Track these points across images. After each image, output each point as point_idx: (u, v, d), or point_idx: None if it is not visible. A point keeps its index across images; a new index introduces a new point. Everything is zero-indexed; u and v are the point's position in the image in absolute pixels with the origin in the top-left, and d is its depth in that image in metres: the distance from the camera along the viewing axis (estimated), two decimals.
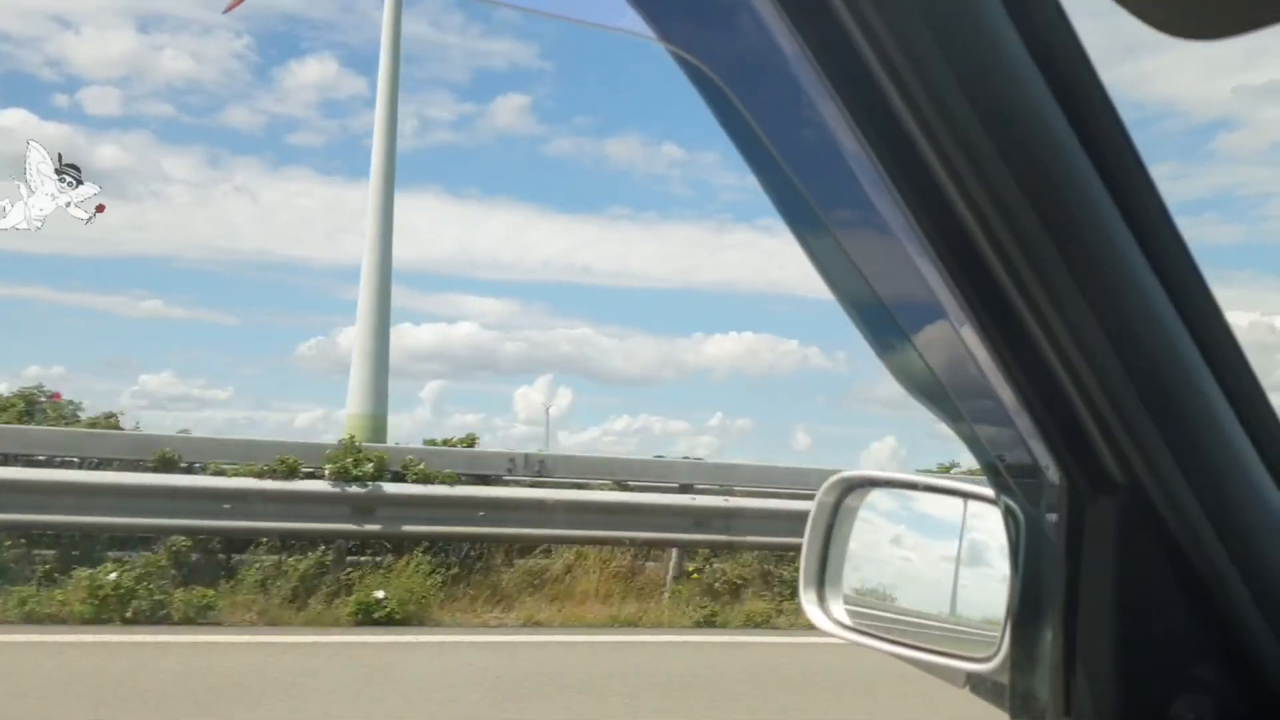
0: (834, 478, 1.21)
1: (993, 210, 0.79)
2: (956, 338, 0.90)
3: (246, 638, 8.14)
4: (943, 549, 1.14)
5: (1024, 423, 0.91)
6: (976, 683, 1.04)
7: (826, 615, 1.18)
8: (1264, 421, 0.91)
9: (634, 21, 0.75)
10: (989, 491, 1.01)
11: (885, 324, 0.94)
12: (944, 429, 0.96)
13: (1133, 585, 0.91)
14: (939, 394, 0.95)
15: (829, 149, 0.83)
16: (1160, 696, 0.91)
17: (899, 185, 0.80)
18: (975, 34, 0.75)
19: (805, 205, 0.87)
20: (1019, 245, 0.80)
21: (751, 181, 0.89)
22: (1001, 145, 0.77)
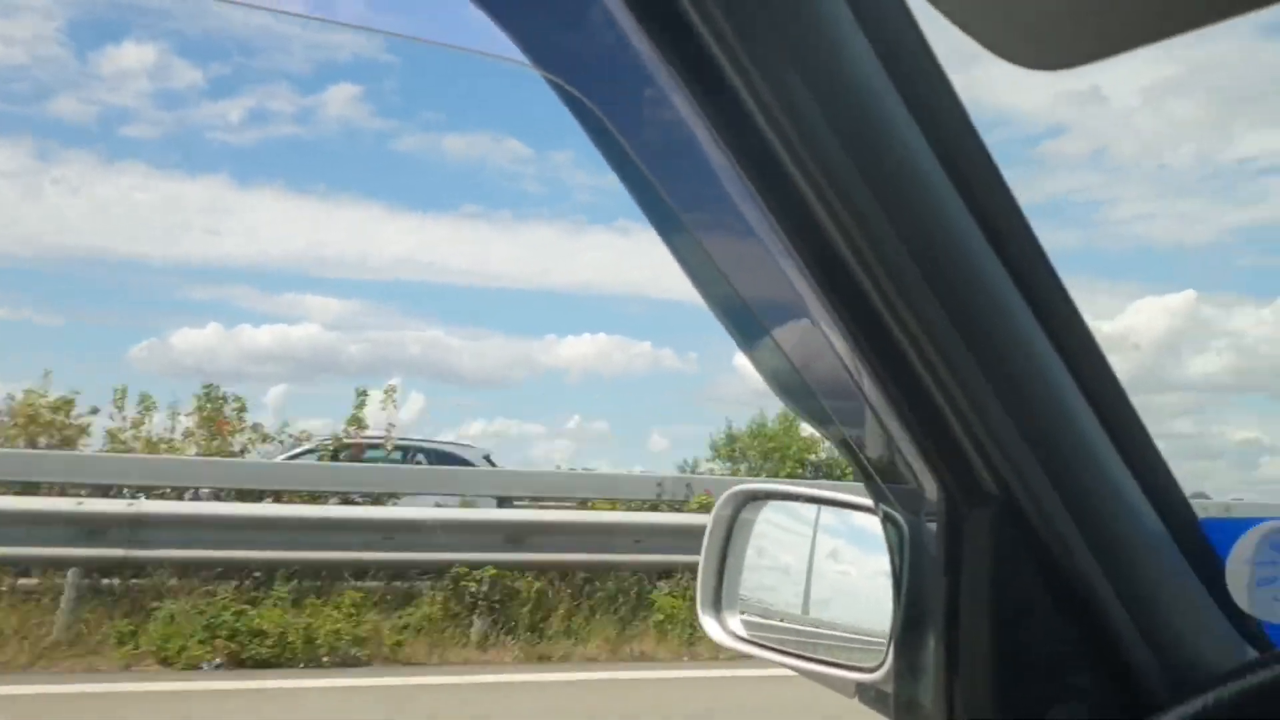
0: (731, 490, 1.22)
1: (852, 223, 0.80)
2: (828, 347, 0.91)
3: None
4: (836, 560, 1.15)
5: (900, 435, 0.93)
6: (865, 693, 1.05)
7: (723, 629, 1.18)
8: (1130, 432, 0.94)
9: (491, 37, 0.75)
10: (888, 503, 1.03)
11: (754, 328, 0.95)
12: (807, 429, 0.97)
13: (1009, 594, 0.93)
14: (810, 401, 0.96)
15: (690, 153, 0.84)
16: (1037, 703, 0.93)
17: (761, 192, 0.81)
18: (826, 44, 0.76)
19: (668, 207, 0.88)
20: (880, 261, 0.81)
21: (607, 182, 0.90)
22: (856, 157, 0.78)
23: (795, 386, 0.96)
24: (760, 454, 18.60)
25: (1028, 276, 0.87)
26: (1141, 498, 0.94)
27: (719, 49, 0.75)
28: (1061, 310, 0.89)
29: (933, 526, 0.96)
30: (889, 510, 0.99)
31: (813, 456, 17.64)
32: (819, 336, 0.91)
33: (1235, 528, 0.99)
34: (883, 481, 0.98)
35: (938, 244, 0.83)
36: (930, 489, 0.95)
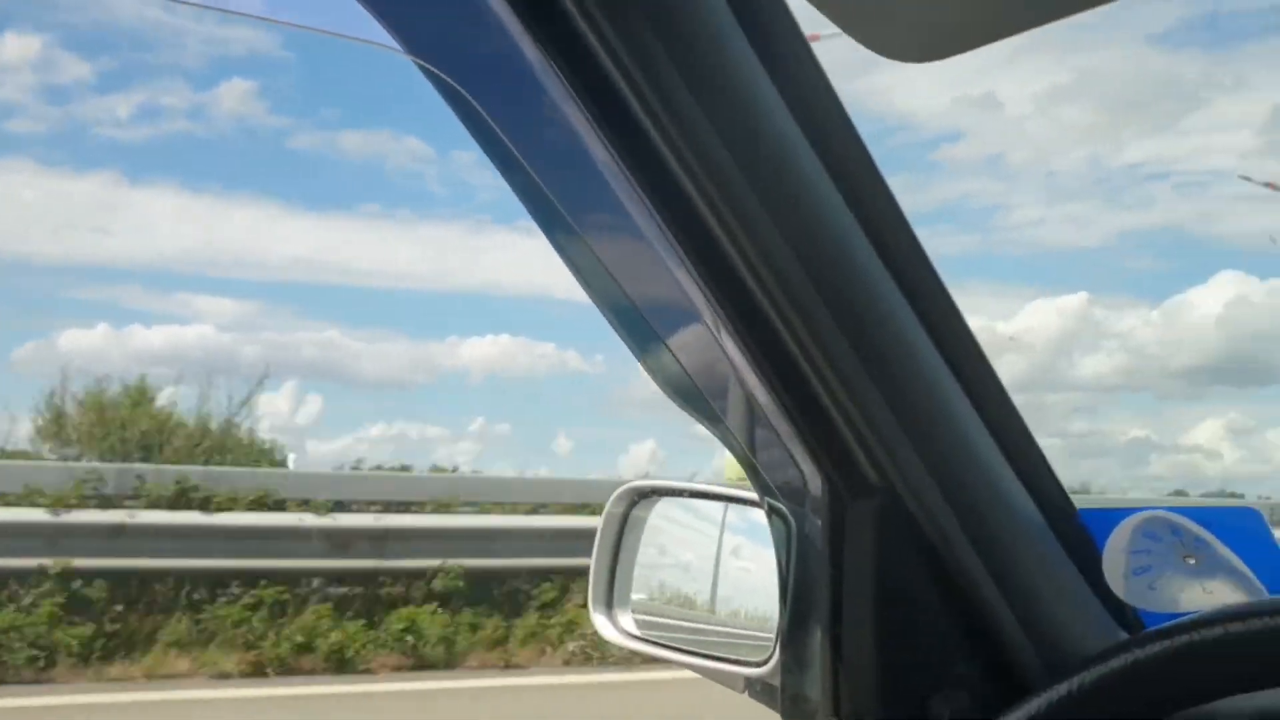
0: (622, 488, 1.22)
1: (735, 223, 0.81)
2: (714, 345, 0.91)
3: None
4: (729, 556, 1.15)
5: (786, 430, 0.94)
6: (753, 687, 1.05)
7: (615, 627, 1.18)
8: (1010, 426, 0.95)
9: (372, 29, 0.74)
10: (774, 497, 1.03)
11: (642, 329, 0.95)
12: (702, 431, 0.97)
13: (892, 586, 0.94)
14: (699, 400, 0.96)
15: (577, 154, 0.83)
16: (920, 693, 0.94)
17: (645, 191, 0.81)
18: (706, 41, 0.76)
19: (555, 209, 0.88)
20: (764, 261, 0.82)
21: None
22: (738, 157, 0.79)
23: (684, 385, 0.96)
24: None
25: (910, 277, 0.88)
26: (1021, 489, 0.96)
27: (598, 44, 0.74)
28: (943, 310, 0.91)
29: (818, 521, 0.97)
30: (775, 504, 1.00)
31: None
32: (706, 335, 0.91)
33: (1113, 517, 1.01)
34: (771, 477, 0.99)
35: (820, 244, 0.84)
36: (815, 482, 0.95)
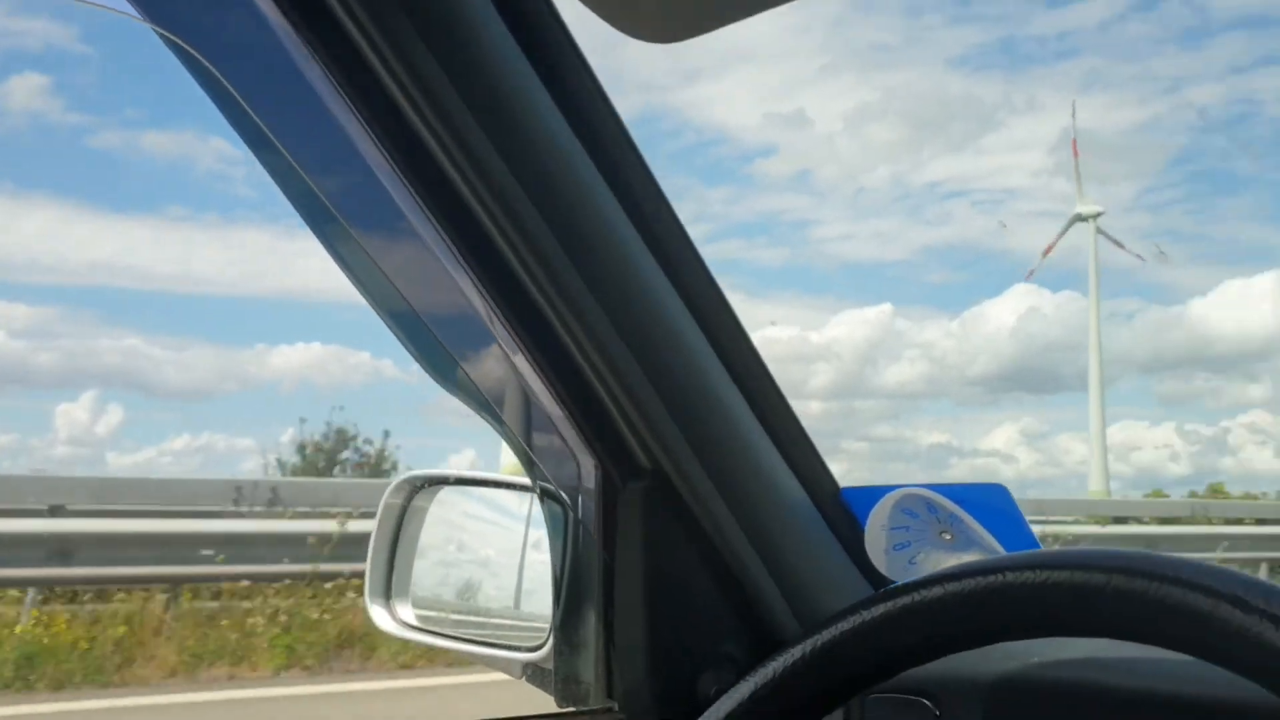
0: (400, 477, 1.20)
1: (503, 216, 0.81)
2: (488, 336, 0.91)
3: None
4: (508, 544, 1.14)
5: (558, 415, 0.94)
6: (530, 672, 1.05)
7: (393, 618, 1.16)
8: (776, 412, 0.98)
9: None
10: (548, 483, 1.03)
11: (413, 321, 0.94)
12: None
13: (663, 568, 0.95)
14: (472, 390, 0.96)
15: (345, 152, 0.83)
16: (690, 673, 0.96)
17: (413, 186, 0.81)
18: (479, 53, 0.77)
19: (326, 211, 0.86)
20: (534, 253, 0.83)
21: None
22: (508, 156, 0.80)
23: (458, 377, 0.95)
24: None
25: (680, 272, 0.91)
26: (787, 472, 0.99)
27: (358, 34, 0.74)
28: (712, 303, 0.93)
29: (593, 505, 0.97)
30: (550, 490, 1.00)
31: None
32: (479, 326, 0.91)
33: (875, 495, 1.05)
34: (545, 463, 0.99)
35: (589, 238, 0.85)
36: (588, 468, 0.96)
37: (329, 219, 0.87)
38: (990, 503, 1.05)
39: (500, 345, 0.91)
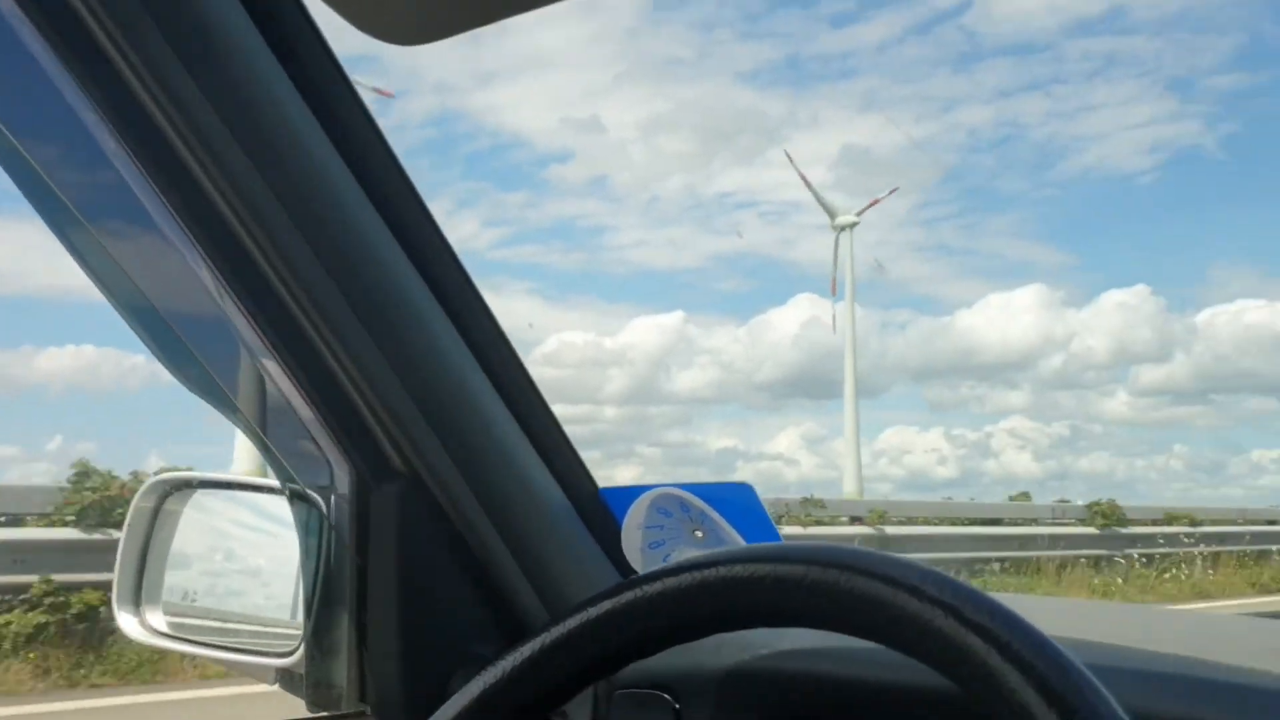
0: (152, 480, 1.16)
1: (252, 219, 0.80)
2: (233, 338, 0.90)
3: None
4: (263, 548, 1.13)
5: (309, 417, 0.93)
6: (284, 678, 1.04)
7: (142, 625, 1.12)
8: (535, 415, 1.00)
9: None
10: (297, 486, 1.02)
11: (157, 322, 0.91)
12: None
13: (416, 570, 0.96)
14: (218, 393, 0.94)
15: (84, 148, 0.80)
16: (443, 674, 0.96)
17: (160, 186, 0.80)
18: (225, 53, 0.76)
19: (64, 206, 0.83)
20: (280, 254, 0.82)
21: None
22: (254, 155, 0.79)
23: (204, 380, 0.93)
24: None
25: (438, 279, 0.92)
26: (545, 473, 1.01)
27: (100, 34, 0.72)
28: (471, 309, 0.95)
29: (346, 507, 0.97)
30: (301, 491, 0.99)
31: None
32: (224, 328, 0.90)
33: (632, 495, 1.08)
34: (296, 465, 0.98)
35: (339, 240, 0.85)
36: (341, 469, 0.96)
37: (64, 212, 0.84)
38: (737, 501, 1.10)
39: (247, 347, 0.90)
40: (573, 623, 0.63)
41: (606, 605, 0.62)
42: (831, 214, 30.60)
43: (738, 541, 1.07)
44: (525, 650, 0.63)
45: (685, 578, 0.61)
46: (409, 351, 0.90)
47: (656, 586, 0.62)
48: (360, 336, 0.86)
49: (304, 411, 0.93)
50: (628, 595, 0.62)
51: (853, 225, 30.16)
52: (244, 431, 0.95)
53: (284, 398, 0.93)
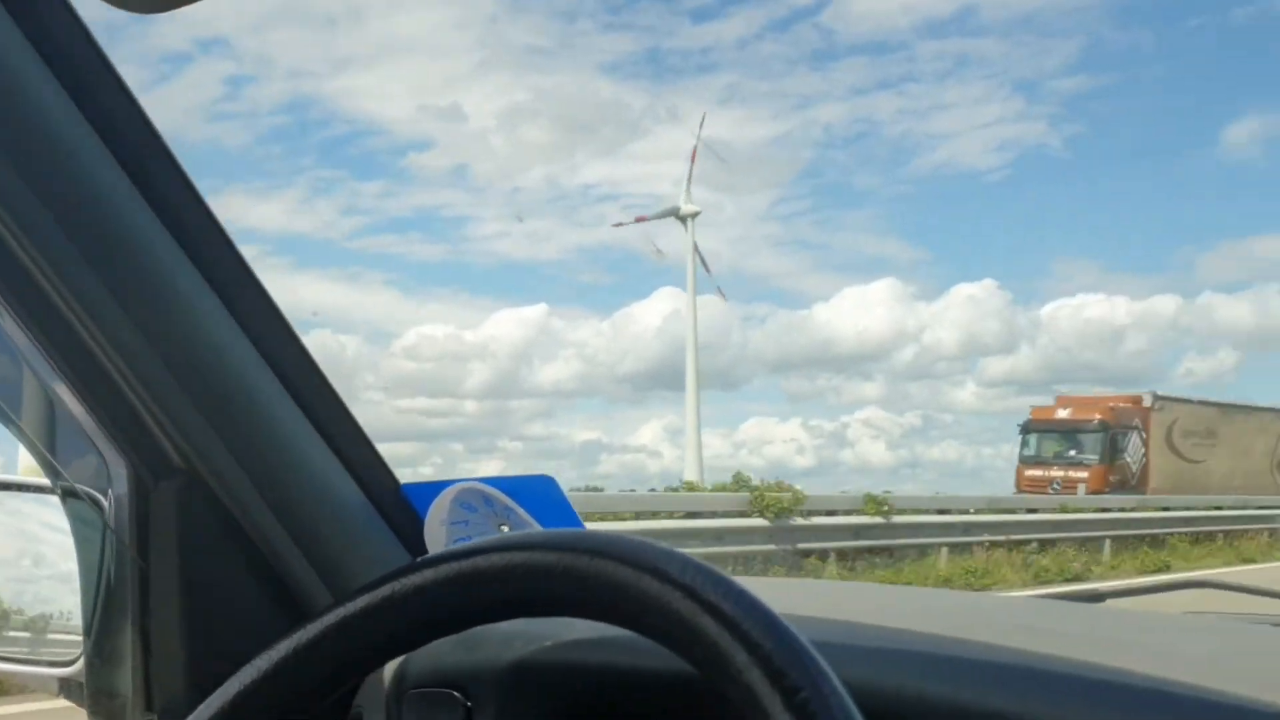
0: None
1: (8, 216, 0.77)
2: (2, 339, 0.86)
3: None
4: (39, 552, 1.08)
5: (82, 415, 0.90)
6: (67, 688, 1.00)
7: None
8: (327, 411, 0.98)
9: None
10: (68, 484, 0.98)
11: None
12: None
13: (201, 571, 0.93)
14: None
15: None
16: (231, 675, 0.94)
17: None
18: None
19: None
20: (43, 250, 0.79)
21: None
22: (11, 149, 0.75)
23: None
24: None
25: (218, 274, 0.89)
26: (340, 469, 0.99)
27: None
28: (255, 305, 0.92)
29: (125, 507, 0.94)
30: (74, 490, 0.95)
31: None
32: None
33: (435, 491, 1.07)
34: (69, 465, 0.94)
35: (108, 234, 0.82)
36: (118, 467, 0.92)
37: None
38: (541, 492, 1.10)
39: (14, 345, 0.86)
40: (314, 628, 0.62)
41: (361, 602, 0.62)
42: (687, 198, 30.89)
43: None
44: (266, 657, 0.62)
45: (444, 569, 0.61)
46: (183, 345, 0.87)
47: (415, 580, 0.61)
48: (129, 330, 0.83)
49: (76, 409, 0.89)
50: (383, 590, 0.61)
51: (695, 215, 30.52)
52: (11, 431, 0.91)
53: (54, 395, 0.89)
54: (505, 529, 1.10)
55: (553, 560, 0.58)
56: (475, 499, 1.09)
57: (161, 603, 0.93)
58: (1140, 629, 1.02)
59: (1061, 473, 28.99)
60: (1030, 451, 30.41)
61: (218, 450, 0.90)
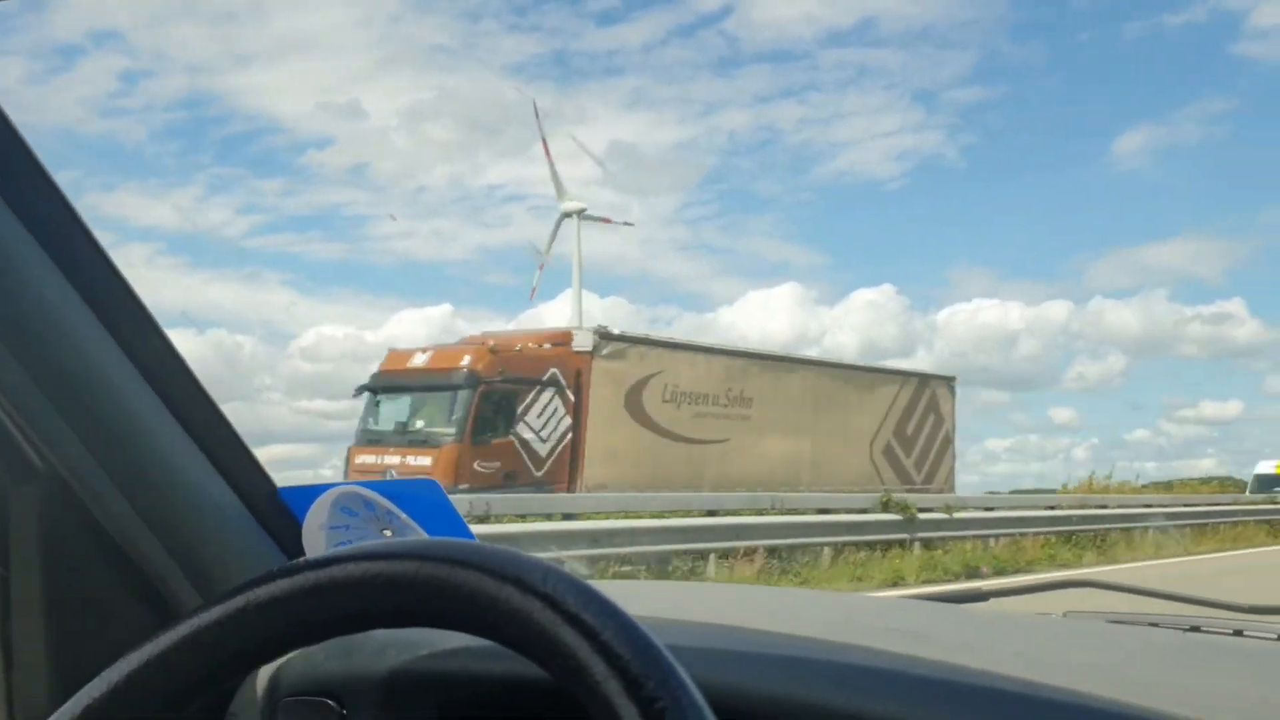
0: None
1: None
2: None
3: None
4: None
5: None
6: None
7: None
8: (201, 415, 0.95)
9: None
10: None
11: None
12: None
13: (65, 578, 0.90)
14: None
15: None
16: None
17: None
18: None
19: None
20: None
21: None
22: None
23: None
24: None
25: (79, 272, 0.86)
26: (213, 473, 0.97)
27: None
28: (122, 307, 0.89)
29: None
30: None
31: None
32: None
33: (313, 494, 1.05)
34: None
35: None
36: None
37: None
38: (424, 497, 1.08)
39: None
40: (168, 637, 0.60)
41: (216, 612, 0.60)
42: (561, 195, 29.95)
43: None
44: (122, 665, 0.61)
45: (300, 579, 0.59)
46: (43, 345, 0.84)
47: (270, 589, 0.60)
48: None
49: None
50: (237, 601, 0.60)
51: (580, 212, 29.95)
52: None
53: None
54: (388, 534, 1.08)
55: (413, 570, 0.57)
56: (356, 503, 1.07)
57: (23, 610, 0.90)
58: (1005, 630, 1.05)
59: (398, 458, 17.77)
60: (372, 424, 19.10)
61: (79, 453, 0.87)
